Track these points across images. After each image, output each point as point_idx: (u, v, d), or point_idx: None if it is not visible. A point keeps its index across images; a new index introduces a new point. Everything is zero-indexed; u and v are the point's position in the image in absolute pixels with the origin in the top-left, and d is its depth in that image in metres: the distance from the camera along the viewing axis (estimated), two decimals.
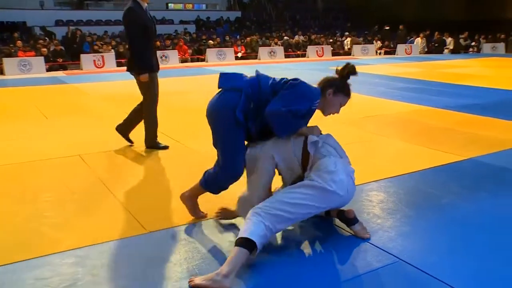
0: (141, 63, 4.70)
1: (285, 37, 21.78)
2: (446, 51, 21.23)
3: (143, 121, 5.03)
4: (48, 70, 15.26)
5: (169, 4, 27.27)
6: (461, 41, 21.65)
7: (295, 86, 2.76)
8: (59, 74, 14.43)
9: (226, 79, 2.91)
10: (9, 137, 5.66)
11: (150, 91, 4.87)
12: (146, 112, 4.96)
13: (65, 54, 16.91)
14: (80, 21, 22.62)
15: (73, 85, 11.00)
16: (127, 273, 2.43)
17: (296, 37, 21.82)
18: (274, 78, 2.89)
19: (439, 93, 8.68)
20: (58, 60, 16.18)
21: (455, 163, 4.30)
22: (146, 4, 4.72)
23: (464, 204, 3.33)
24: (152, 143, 5.01)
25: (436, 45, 21.31)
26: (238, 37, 21.64)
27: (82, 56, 16.03)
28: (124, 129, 5.16)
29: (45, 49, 16.16)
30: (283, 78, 2.87)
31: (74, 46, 18.08)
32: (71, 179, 4.02)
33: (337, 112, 2.98)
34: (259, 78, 2.86)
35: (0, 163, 4.50)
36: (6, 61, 14.74)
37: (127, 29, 4.72)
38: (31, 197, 3.58)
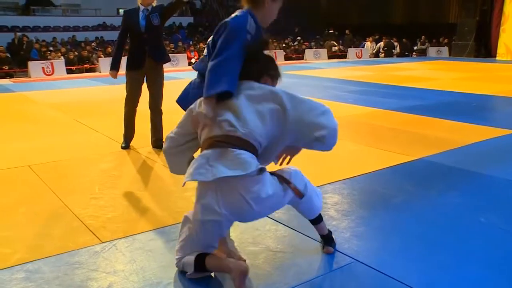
0: (112, 61, 5.15)
1: None
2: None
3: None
4: None
5: (120, 10, 26.77)
6: (419, 44, 22.18)
7: (224, 31, 2.35)
8: (5, 82, 13.87)
9: (183, 102, 2.68)
10: None
11: (126, 88, 5.13)
12: None
13: (12, 61, 16.30)
14: (27, 27, 21.88)
15: (21, 93, 10.60)
16: (80, 286, 2.35)
17: None
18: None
19: (388, 95, 8.92)
20: (3, 67, 15.57)
21: (406, 163, 4.42)
22: (143, 7, 4.96)
23: (416, 202, 3.42)
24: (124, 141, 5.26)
25: (385, 48, 21.91)
26: (191, 43, 21.51)
27: (30, 63, 15.46)
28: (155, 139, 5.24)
29: None
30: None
31: (21, 53, 17.46)
32: (19, 190, 3.86)
33: (275, 18, 2.55)
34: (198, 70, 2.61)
35: None
36: None
37: None
38: None
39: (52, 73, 15.39)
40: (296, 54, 21.62)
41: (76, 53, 17.54)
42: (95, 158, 4.84)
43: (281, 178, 2.35)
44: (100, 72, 16.44)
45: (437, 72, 13.69)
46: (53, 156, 4.89)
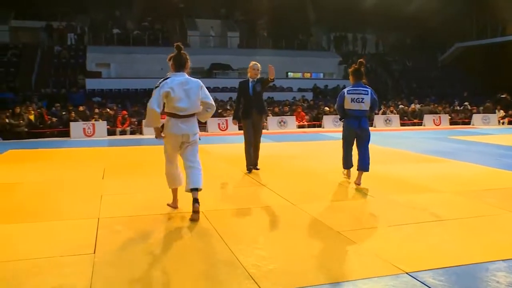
0: (234, 114, 7.96)
1: (401, 105, 21.33)
2: None
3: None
4: None
5: (289, 73, 28.26)
6: None
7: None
8: None
9: None
10: (127, 191, 6.05)
11: (243, 133, 7.46)
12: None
13: None
14: (208, 87, 24.22)
15: (200, 145, 11.65)
16: None
17: (412, 105, 21.24)
18: None
19: None
20: None
21: None
22: (251, 79, 7.35)
23: None
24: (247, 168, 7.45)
25: None
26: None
27: (209, 120, 17.04)
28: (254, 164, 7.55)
29: None
30: None
31: None
32: (191, 233, 4.18)
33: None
34: None
35: (138, 213, 4.85)
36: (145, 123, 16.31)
37: None
38: (136, 243, 3.78)
39: (226, 129, 16.74)
40: (462, 119, 20.31)
41: None
42: (260, 209, 5.05)
43: None
44: (267, 129, 17.39)
45: None
46: (223, 205, 5.23)
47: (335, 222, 4.48)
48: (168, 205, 5.04)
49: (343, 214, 4.84)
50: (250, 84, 7.33)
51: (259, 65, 7.39)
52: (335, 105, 6.88)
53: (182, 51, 4.73)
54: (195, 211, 4.61)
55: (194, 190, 4.68)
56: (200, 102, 4.77)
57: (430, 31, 27.31)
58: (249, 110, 7.31)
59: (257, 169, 7.51)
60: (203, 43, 28.00)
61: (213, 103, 4.95)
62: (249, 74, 7.38)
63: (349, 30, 30.12)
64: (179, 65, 4.74)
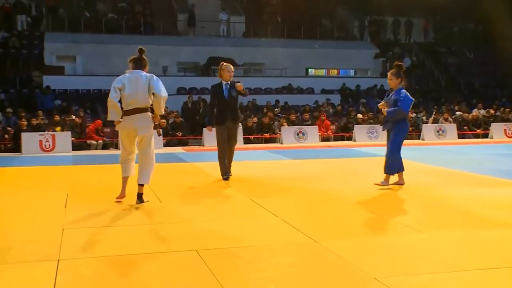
0: (207, 119, 9.72)
1: (458, 111, 21.27)
2: None
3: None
4: (165, 145, 16.40)
5: (309, 70, 28.06)
6: None
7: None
8: (177, 150, 15.46)
9: None
10: (117, 223, 6.08)
11: (217, 140, 9.03)
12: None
13: (185, 127, 18.13)
14: (205, 88, 24.27)
15: (193, 163, 11.71)
16: None
17: (475, 111, 21.16)
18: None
19: None
20: (177, 134, 17.40)
21: None
22: (224, 82, 8.90)
23: None
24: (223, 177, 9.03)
25: None
26: None
27: (206, 130, 16.94)
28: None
29: (164, 121, 17.56)
30: None
31: (197, 117, 19.33)
32: (183, 278, 4.16)
33: None
34: None
35: (111, 253, 4.84)
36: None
37: None
38: None
39: None
40: None
41: (255, 119, 18.85)
42: (272, 248, 5.03)
43: None
44: (281, 143, 17.38)
45: None
46: (224, 242, 5.21)
47: (370, 266, 4.44)
48: (116, 198, 7.00)
49: (381, 254, 4.80)
50: (224, 87, 8.84)
51: (232, 67, 9.06)
52: (404, 110, 8.16)
53: (143, 55, 6.56)
54: (138, 203, 6.73)
55: (140, 185, 6.73)
56: (150, 95, 6.55)
57: (498, 11, 27.11)
58: (223, 116, 8.84)
59: (230, 175, 9.08)
60: (198, 31, 28.11)
61: (162, 94, 6.50)
62: (223, 77, 8.89)
63: (389, 12, 30.03)
64: (136, 66, 6.56)
